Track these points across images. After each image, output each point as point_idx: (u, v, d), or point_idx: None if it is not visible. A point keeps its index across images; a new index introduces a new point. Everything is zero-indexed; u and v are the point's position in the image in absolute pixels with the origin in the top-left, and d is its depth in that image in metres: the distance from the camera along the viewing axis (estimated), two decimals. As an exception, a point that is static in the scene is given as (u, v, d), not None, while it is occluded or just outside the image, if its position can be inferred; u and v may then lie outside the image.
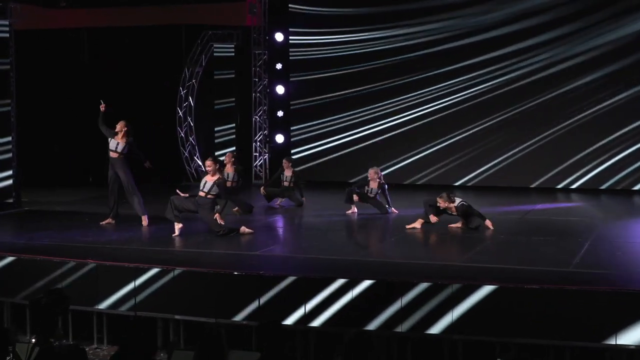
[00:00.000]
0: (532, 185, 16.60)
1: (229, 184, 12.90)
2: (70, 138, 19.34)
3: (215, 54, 18.81)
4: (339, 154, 18.26)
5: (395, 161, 17.63)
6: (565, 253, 9.37)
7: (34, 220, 12.37)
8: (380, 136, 17.90)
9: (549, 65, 16.44)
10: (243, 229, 10.82)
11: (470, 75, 17.10)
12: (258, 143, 18.80)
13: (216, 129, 19.05)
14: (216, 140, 19.12)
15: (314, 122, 18.46)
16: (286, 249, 10.31)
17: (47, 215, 12.87)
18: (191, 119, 18.89)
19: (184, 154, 18.84)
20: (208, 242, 10.32)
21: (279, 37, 18.57)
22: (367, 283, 7.96)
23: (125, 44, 19.16)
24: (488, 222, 11.08)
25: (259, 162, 18.79)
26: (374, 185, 12.87)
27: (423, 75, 17.44)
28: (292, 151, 18.62)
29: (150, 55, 19.01)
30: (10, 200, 13.25)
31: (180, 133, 18.80)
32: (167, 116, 18.85)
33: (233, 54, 18.90)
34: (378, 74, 17.81)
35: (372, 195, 12.94)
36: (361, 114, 18.04)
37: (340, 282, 8.01)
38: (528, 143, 16.63)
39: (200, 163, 18.84)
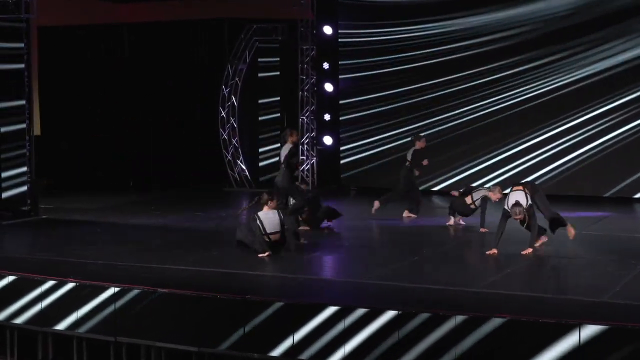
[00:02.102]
0: (606, 195, 15.71)
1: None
2: (111, 138, 19.52)
3: (259, 50, 18.57)
4: (392, 158, 17.76)
5: (456, 166, 16.99)
6: (608, 278, 8.66)
7: (42, 231, 12.39)
8: (438, 138, 17.30)
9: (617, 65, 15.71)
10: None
11: (536, 73, 16.35)
12: (305, 146, 18.46)
13: (260, 130, 18.83)
14: (261, 143, 18.90)
15: (365, 124, 18.00)
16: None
17: (60, 224, 12.87)
18: (234, 120, 18.71)
19: (227, 157, 18.67)
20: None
21: (327, 30, 18.18)
22: (360, 312, 7.50)
23: (166, 39, 19.20)
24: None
25: (307, 166, 18.45)
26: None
27: (484, 73, 16.75)
28: (342, 155, 18.26)
29: (192, 51, 18.98)
30: (26, 208, 13.31)
31: (222, 135, 18.65)
32: (210, 116, 18.74)
33: (278, 49, 18.62)
34: (435, 71, 17.20)
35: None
36: (417, 115, 17.51)
37: (331, 309, 7.58)
38: (598, 147, 15.84)
39: (244, 167, 18.66)
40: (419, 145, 14.00)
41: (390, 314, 7.36)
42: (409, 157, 14.02)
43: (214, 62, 18.80)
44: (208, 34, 18.94)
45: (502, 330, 7.03)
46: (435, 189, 17.37)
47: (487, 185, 12.60)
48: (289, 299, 7.83)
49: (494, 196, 11.95)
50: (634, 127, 15.68)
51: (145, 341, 8.20)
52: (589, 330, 6.84)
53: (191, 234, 12.02)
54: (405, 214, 13.91)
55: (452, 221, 12.69)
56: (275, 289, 8.39)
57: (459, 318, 7.19)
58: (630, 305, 7.59)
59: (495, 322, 7.08)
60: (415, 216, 13.82)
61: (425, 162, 13.86)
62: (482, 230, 12.05)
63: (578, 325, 6.89)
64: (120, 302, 8.22)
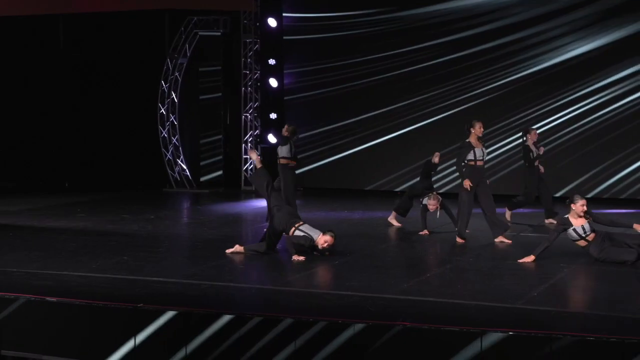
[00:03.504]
0: (557, 195, 15.64)
1: None
2: (45, 135, 19.21)
3: (200, 43, 18.34)
4: (340, 155, 17.63)
5: (410, 163, 16.90)
6: (530, 283, 8.53)
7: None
8: (388, 135, 17.20)
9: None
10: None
11: (492, 67, 16.32)
12: (249, 144, 18.26)
13: (201, 128, 18.62)
14: (202, 141, 18.69)
15: (312, 121, 17.84)
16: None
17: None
18: (174, 117, 18.47)
19: (167, 156, 18.43)
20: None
21: (272, 23, 17.99)
22: (256, 320, 7.30)
23: (103, 32, 18.92)
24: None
25: (250, 165, 18.23)
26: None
27: (439, 66, 16.74)
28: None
29: (130, 44, 18.70)
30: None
31: (162, 133, 18.40)
32: (149, 113, 18.48)
33: (220, 43, 18.41)
34: (387, 65, 17.10)
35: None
36: (367, 111, 17.38)
37: (226, 318, 7.38)
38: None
39: (185, 167, 18.42)
40: (531, 138, 12.94)
41: (287, 322, 7.18)
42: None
43: (153, 56, 18.55)
44: (147, 26, 18.69)
45: (398, 339, 6.87)
46: (383, 189, 17.30)
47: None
48: (184, 308, 7.63)
49: (431, 204, 11.88)
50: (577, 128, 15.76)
51: (31, 354, 7.96)
52: (492, 338, 6.71)
53: (109, 237, 11.76)
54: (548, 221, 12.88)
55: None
56: (175, 296, 8.17)
57: (358, 326, 7.02)
58: (539, 311, 7.44)
59: (395, 330, 6.92)
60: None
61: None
62: (421, 233, 11.99)
63: (480, 333, 6.75)
64: (4, 313, 7.97)
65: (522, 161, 13.25)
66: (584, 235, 9.68)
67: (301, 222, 10.23)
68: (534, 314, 7.37)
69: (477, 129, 11.15)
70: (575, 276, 9.14)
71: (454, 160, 11.81)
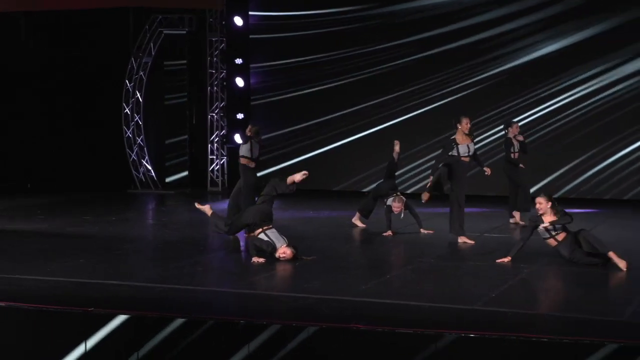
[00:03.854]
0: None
1: None
2: (7, 136, 19.01)
3: (165, 42, 18.23)
4: (308, 156, 17.59)
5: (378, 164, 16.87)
6: (490, 283, 8.54)
7: None
8: (356, 134, 17.19)
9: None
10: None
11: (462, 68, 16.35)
12: (215, 144, 18.18)
13: (166, 128, 18.50)
14: (167, 141, 18.58)
15: (279, 121, 17.79)
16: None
17: None
18: (139, 117, 18.35)
19: (131, 156, 18.30)
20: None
21: (238, 21, 17.91)
22: (209, 324, 7.24)
23: (67, 29, 18.76)
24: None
25: (216, 166, 18.16)
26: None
27: (409, 65, 16.76)
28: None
29: (94, 42, 18.55)
30: None
31: (126, 133, 18.27)
32: (113, 113, 18.34)
33: (186, 41, 18.30)
34: (354, 63, 17.10)
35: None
36: (334, 110, 17.36)
37: (179, 322, 7.32)
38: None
39: (150, 167, 18.31)
40: (512, 132, 12.98)
41: (240, 326, 7.13)
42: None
43: (118, 55, 18.41)
44: (112, 24, 18.54)
45: (351, 342, 6.85)
46: (350, 189, 17.28)
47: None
48: (136, 312, 7.55)
49: (395, 206, 11.89)
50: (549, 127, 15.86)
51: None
52: (446, 340, 6.69)
53: (68, 240, 11.65)
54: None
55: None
56: (128, 300, 8.08)
57: (311, 329, 6.99)
58: (496, 312, 7.43)
59: (348, 333, 6.89)
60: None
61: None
62: (385, 234, 11.98)
63: (434, 335, 6.73)
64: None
65: (504, 154, 13.29)
66: (553, 233, 9.70)
67: (270, 226, 10.18)
68: (491, 315, 7.37)
69: (464, 125, 11.10)
70: (535, 277, 9.15)
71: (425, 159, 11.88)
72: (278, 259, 9.88)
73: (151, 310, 7.60)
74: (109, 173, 18.52)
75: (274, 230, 10.13)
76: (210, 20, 18.00)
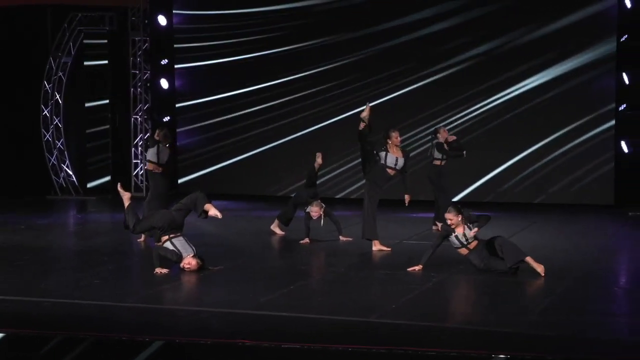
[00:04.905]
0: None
1: None
2: None
3: (85, 41, 18.04)
4: (235, 160, 17.54)
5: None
6: (396, 293, 8.57)
7: None
8: (284, 138, 17.19)
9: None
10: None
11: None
12: (139, 148, 18.03)
13: (88, 131, 18.29)
14: (88, 145, 18.37)
15: (206, 123, 17.72)
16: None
17: None
18: (59, 120, 18.12)
19: (51, 161, 18.07)
20: None
21: (162, 20, 17.78)
22: (90, 341, 7.16)
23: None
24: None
25: (140, 170, 18.01)
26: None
27: (338, 70, 16.77)
28: (180, 157, 17.91)
29: (10, 41, 18.24)
30: None
31: (45, 136, 18.04)
32: (31, 115, 18.07)
33: (107, 40, 18.11)
34: (282, 64, 17.08)
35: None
36: (265, 112, 17.35)
37: (58, 339, 7.22)
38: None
39: (71, 172, 18.10)
40: (442, 137, 13.03)
41: (121, 342, 7.07)
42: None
43: (36, 54, 18.14)
44: (29, 22, 18.26)
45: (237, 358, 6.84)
46: (279, 194, 17.25)
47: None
48: (12, 329, 7.41)
49: (313, 211, 11.91)
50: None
51: None
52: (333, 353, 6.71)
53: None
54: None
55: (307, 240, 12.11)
56: (8, 316, 7.92)
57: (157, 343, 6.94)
58: (389, 325, 7.46)
59: (233, 347, 6.87)
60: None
61: None
62: (302, 241, 11.97)
63: (321, 350, 6.74)
64: None
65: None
66: (465, 243, 9.76)
67: (177, 235, 10.11)
68: (383, 327, 7.40)
69: (393, 139, 11.12)
70: (441, 287, 9.20)
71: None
72: (183, 270, 9.82)
73: (29, 327, 7.46)
74: (27, 178, 18.22)
75: (181, 238, 10.07)
76: (133, 18, 17.84)
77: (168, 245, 9.95)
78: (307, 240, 11.97)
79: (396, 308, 8.07)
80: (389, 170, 11.14)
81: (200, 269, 9.84)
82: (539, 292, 8.84)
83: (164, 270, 9.78)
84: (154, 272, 9.72)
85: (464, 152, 13.24)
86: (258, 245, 11.99)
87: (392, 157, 11.13)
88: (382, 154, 11.11)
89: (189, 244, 10.05)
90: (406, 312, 7.95)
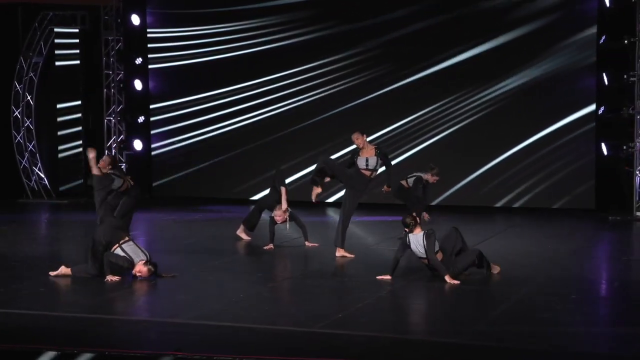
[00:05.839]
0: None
1: None
2: None
3: (56, 41, 17.99)
4: (210, 162, 17.49)
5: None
6: (347, 302, 8.51)
7: None
8: (258, 140, 17.14)
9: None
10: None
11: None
12: (112, 150, 17.99)
13: (60, 133, 18.25)
14: (60, 147, 18.31)
15: (179, 125, 17.68)
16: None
17: None
18: (30, 122, 18.09)
19: (22, 163, 18.04)
20: None
21: (135, 20, 17.74)
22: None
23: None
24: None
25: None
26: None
27: (316, 68, 16.74)
28: (154, 161, 17.88)
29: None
30: None
31: (16, 138, 18.00)
32: (0, 117, 18.05)
33: (79, 40, 18.06)
34: (258, 66, 17.05)
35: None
36: (238, 115, 17.31)
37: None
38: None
39: (43, 175, 18.06)
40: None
41: (50, 355, 7.01)
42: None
43: (5, 54, 18.11)
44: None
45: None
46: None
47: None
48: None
49: (277, 215, 11.86)
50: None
51: None
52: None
53: None
54: None
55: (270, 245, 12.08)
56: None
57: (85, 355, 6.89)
58: (332, 335, 7.40)
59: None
60: None
61: None
62: (266, 247, 11.92)
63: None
64: None
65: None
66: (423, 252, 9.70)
67: (126, 239, 10.06)
68: (323, 338, 7.34)
69: (355, 141, 11.25)
70: (394, 296, 9.14)
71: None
72: (135, 277, 9.77)
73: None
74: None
75: (131, 243, 10.02)
76: (106, 17, 17.80)
77: (118, 251, 9.90)
78: (270, 246, 11.91)
79: (342, 317, 8.01)
80: (363, 172, 11.14)
81: (152, 275, 9.79)
82: (493, 300, 8.77)
83: (115, 278, 9.73)
84: (104, 280, 9.67)
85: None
86: (219, 251, 11.90)
87: (362, 159, 11.18)
88: (356, 158, 11.15)
89: (140, 249, 10.00)
90: (351, 322, 7.89)
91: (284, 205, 11.96)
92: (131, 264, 9.86)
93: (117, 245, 9.95)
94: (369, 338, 7.38)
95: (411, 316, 8.49)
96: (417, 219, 9.76)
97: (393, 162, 12.87)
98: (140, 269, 9.81)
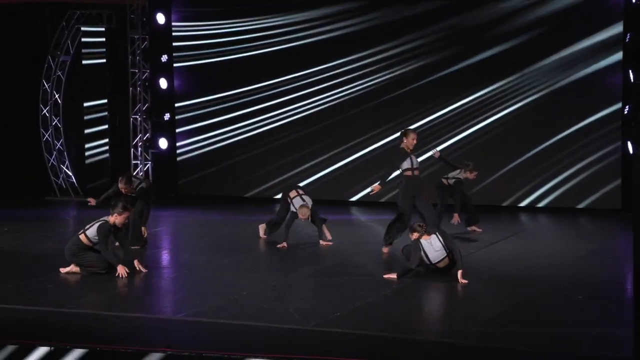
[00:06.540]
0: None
1: None
2: None
3: (83, 40, 18.29)
4: (235, 160, 17.65)
5: (306, 168, 16.98)
6: (337, 302, 8.55)
7: None
8: (283, 139, 17.26)
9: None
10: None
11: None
12: (139, 149, 18.22)
13: (86, 131, 18.54)
14: (87, 145, 18.61)
15: (204, 124, 17.86)
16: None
17: None
18: (58, 120, 18.41)
19: (50, 161, 18.37)
20: None
21: (160, 18, 17.95)
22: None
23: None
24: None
25: (139, 171, 18.19)
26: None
27: (338, 67, 16.81)
28: (179, 159, 18.09)
29: (7, 40, 18.54)
30: None
31: (45, 136, 18.34)
32: (29, 115, 18.38)
33: (106, 39, 18.33)
34: (281, 65, 17.15)
35: None
36: (264, 113, 17.44)
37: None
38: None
39: (70, 173, 18.38)
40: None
41: (43, 350, 7.18)
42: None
43: (34, 53, 18.43)
44: (28, 21, 18.55)
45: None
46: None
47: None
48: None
49: (302, 213, 11.93)
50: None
51: None
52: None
53: None
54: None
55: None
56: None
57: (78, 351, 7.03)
58: (324, 333, 7.45)
59: (154, 357, 6.94)
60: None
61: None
62: (280, 245, 12.00)
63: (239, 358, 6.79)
64: None
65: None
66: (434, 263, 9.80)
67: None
68: (317, 336, 7.41)
69: (410, 140, 11.20)
70: (397, 295, 9.14)
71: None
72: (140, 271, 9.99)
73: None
74: (26, 179, 18.52)
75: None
76: (132, 16, 18.03)
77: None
78: (284, 244, 11.98)
79: (340, 316, 8.06)
80: (416, 173, 11.20)
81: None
82: (494, 301, 8.75)
83: (126, 271, 9.89)
84: (115, 275, 9.84)
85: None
86: (232, 249, 11.97)
87: (409, 161, 11.21)
88: (406, 161, 11.17)
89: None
90: (348, 321, 7.94)
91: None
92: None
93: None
94: (359, 336, 7.44)
95: (409, 315, 8.48)
96: (424, 226, 9.86)
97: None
98: (120, 271, 9.89)
